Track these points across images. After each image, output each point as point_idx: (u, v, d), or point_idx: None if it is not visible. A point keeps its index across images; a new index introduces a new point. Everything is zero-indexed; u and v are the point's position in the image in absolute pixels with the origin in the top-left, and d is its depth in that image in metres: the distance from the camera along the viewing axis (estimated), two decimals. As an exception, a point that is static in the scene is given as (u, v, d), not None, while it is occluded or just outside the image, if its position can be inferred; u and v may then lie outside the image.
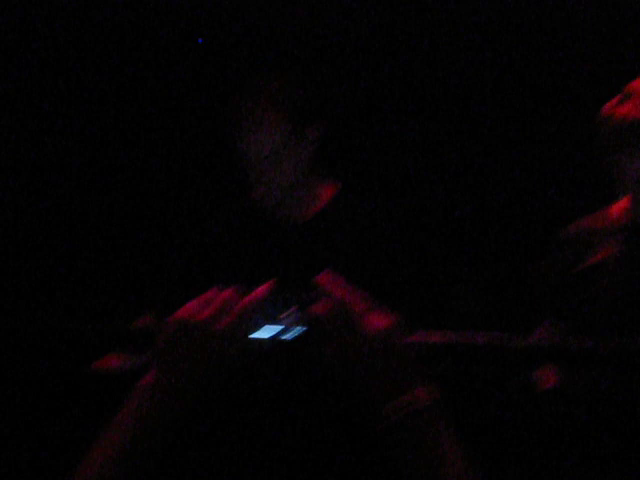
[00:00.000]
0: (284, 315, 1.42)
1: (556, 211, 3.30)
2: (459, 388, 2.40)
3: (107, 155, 3.75)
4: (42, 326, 1.67)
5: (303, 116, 2.47)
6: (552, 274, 2.51)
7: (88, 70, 3.74)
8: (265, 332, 1.42)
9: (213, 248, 2.57)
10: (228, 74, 3.72)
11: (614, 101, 2.38)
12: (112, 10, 3.72)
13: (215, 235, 2.60)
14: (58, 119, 3.73)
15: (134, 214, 3.74)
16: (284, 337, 1.42)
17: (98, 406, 2.86)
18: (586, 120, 2.44)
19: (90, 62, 3.74)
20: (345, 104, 3.75)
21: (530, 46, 3.69)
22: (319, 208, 2.52)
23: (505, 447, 2.46)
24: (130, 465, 1.34)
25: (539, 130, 3.69)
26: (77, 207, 3.72)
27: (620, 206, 2.47)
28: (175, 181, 3.76)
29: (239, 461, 2.43)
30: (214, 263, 2.53)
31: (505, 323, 2.67)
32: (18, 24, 3.66)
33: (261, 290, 1.42)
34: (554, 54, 3.65)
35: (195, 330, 1.38)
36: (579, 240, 2.49)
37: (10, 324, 1.68)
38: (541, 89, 3.69)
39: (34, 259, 3.64)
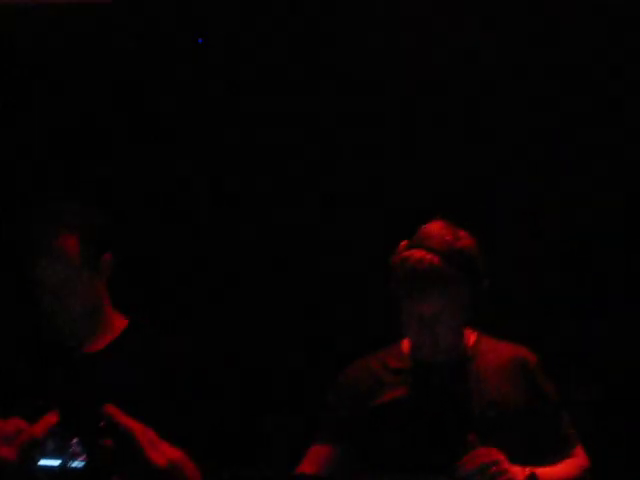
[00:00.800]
0: (72, 443, 1.44)
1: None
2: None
3: None
4: None
5: (97, 244, 2.47)
6: (343, 409, 2.56)
7: None
8: (52, 460, 1.42)
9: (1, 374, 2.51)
10: (22, 197, 3.69)
11: (403, 245, 2.44)
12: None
13: (4, 361, 2.54)
14: None
15: None
16: (72, 465, 1.43)
17: None
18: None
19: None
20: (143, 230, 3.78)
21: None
22: (111, 339, 2.52)
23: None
24: None
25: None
26: None
27: (406, 346, 2.55)
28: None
29: None
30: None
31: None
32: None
33: (48, 419, 1.43)
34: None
35: None
36: (369, 376, 2.53)
37: None
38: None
39: None
